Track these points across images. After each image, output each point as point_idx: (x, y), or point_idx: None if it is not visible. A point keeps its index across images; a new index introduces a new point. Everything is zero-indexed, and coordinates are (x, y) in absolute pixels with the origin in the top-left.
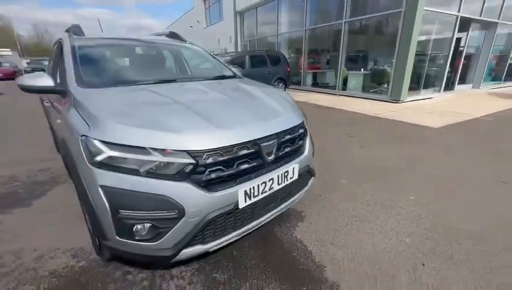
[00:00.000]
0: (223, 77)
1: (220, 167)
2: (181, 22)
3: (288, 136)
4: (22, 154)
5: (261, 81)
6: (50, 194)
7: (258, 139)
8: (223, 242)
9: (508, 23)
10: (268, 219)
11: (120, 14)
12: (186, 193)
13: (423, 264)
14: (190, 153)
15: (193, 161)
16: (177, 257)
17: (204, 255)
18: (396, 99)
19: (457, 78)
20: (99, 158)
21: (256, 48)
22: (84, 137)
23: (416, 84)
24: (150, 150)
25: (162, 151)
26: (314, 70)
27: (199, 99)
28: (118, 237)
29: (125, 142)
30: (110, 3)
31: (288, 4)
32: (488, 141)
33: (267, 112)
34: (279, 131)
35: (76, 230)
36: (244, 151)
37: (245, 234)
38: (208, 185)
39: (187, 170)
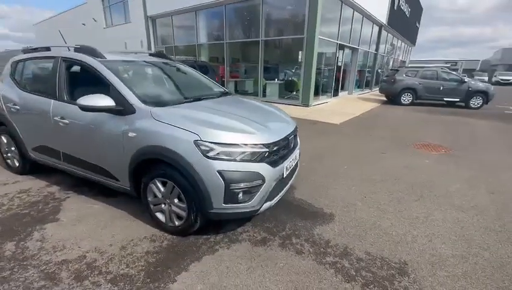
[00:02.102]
0: (223, 94)
1: (277, 152)
2: (68, 16)
3: (295, 133)
4: None
5: None
6: (65, 205)
7: (288, 135)
8: (277, 199)
9: (363, 48)
10: (289, 185)
11: None
12: (264, 169)
13: (361, 194)
14: (264, 145)
15: (267, 150)
16: (260, 210)
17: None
18: (306, 104)
19: (340, 87)
20: (211, 153)
21: (174, 55)
22: (196, 141)
23: (317, 92)
24: (242, 145)
25: (247, 145)
26: (236, 79)
27: (243, 110)
28: (223, 204)
29: (225, 141)
30: None
31: (207, 17)
32: (367, 130)
33: (284, 120)
34: (292, 130)
35: (133, 225)
36: (284, 143)
37: (283, 195)
38: (272, 163)
39: (264, 155)
